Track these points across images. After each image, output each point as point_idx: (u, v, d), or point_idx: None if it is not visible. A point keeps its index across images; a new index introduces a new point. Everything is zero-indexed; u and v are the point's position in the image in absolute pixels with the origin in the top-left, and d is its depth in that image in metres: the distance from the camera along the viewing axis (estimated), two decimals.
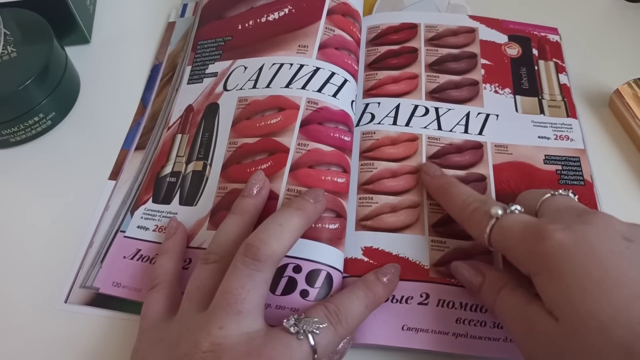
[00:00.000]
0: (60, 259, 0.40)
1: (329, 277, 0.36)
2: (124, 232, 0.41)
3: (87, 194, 0.44)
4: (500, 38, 0.50)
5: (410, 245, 0.38)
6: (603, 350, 0.25)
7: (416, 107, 0.45)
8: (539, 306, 0.29)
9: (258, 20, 0.47)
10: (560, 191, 0.34)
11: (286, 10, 0.47)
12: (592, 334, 0.26)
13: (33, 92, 0.44)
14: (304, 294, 0.35)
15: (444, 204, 0.39)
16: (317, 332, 0.30)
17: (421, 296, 0.36)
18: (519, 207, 0.33)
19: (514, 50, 0.50)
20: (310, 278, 0.35)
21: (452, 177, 0.40)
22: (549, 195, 0.34)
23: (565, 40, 0.51)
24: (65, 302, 0.38)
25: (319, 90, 0.42)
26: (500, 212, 0.32)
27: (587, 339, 0.26)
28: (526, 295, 0.30)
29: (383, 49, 0.49)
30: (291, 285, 0.35)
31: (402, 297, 0.36)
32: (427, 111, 0.45)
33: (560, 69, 0.49)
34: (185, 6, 0.55)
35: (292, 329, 0.30)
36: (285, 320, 0.30)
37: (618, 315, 0.25)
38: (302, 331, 0.30)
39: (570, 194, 0.34)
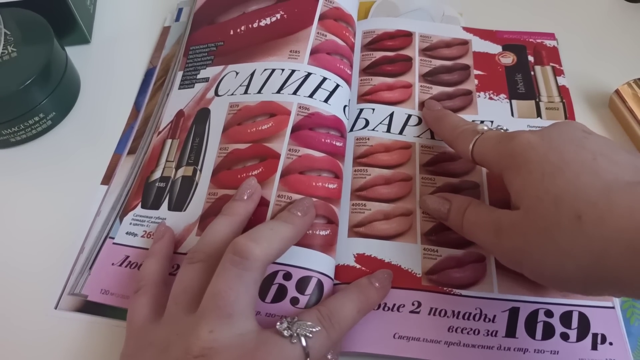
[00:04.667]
0: (53, 264, 0.40)
1: (319, 284, 0.35)
2: (113, 238, 0.40)
3: (84, 197, 0.43)
4: (494, 49, 0.50)
5: (402, 253, 0.38)
6: (558, 219, 0.28)
7: (409, 116, 0.45)
8: (503, 210, 0.32)
9: (250, 25, 0.47)
10: None
11: (278, 15, 0.47)
12: (548, 208, 0.28)
13: (33, 92, 0.44)
14: (294, 301, 0.34)
15: (438, 131, 0.43)
16: (310, 335, 0.30)
17: (413, 304, 0.36)
18: (504, 127, 0.37)
19: (508, 59, 0.49)
20: (301, 285, 0.35)
21: (449, 111, 0.44)
22: None
23: (565, 40, 0.51)
24: (56, 308, 0.38)
25: (311, 96, 0.42)
26: (485, 128, 0.36)
27: (545, 213, 0.28)
28: (490, 207, 0.34)
29: (378, 54, 0.49)
30: (281, 292, 0.35)
31: (394, 305, 0.36)
32: (420, 121, 0.45)
33: (558, 72, 0.48)
34: (180, 10, 0.55)
35: (285, 332, 0.29)
36: (278, 323, 0.30)
37: (569, 187, 0.28)
38: (295, 334, 0.29)
39: None
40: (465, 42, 0.51)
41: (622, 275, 0.26)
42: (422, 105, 0.46)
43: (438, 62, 0.49)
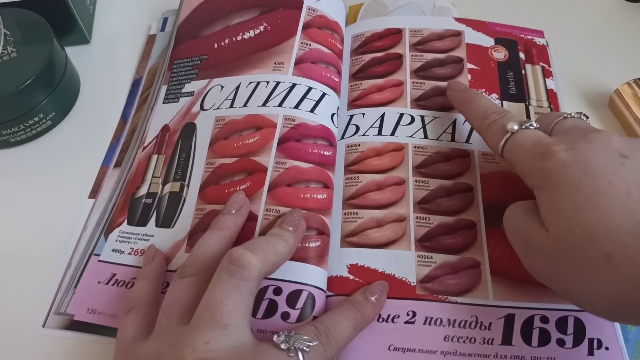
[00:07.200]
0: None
1: (311, 298, 0.35)
2: (98, 255, 0.40)
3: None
4: (487, 41, 0.49)
5: (396, 262, 0.38)
6: (587, 255, 0.27)
7: (401, 115, 0.44)
8: (535, 221, 0.31)
9: (234, 38, 0.47)
10: (573, 114, 0.35)
11: (261, 27, 0.47)
12: (578, 242, 0.28)
13: (33, 92, 0.44)
14: (285, 316, 0.34)
15: (466, 115, 0.41)
16: (308, 350, 0.29)
17: (407, 314, 0.35)
18: (534, 124, 0.34)
19: (500, 54, 0.48)
20: (291, 299, 0.35)
21: (475, 90, 0.43)
22: (561, 117, 0.35)
23: (565, 40, 0.51)
24: (43, 326, 0.37)
25: (296, 107, 0.41)
26: (515, 127, 0.34)
27: (574, 246, 0.28)
28: (526, 210, 0.32)
29: (368, 57, 0.48)
30: (272, 308, 0.34)
31: (388, 315, 0.35)
32: (412, 120, 0.44)
33: (547, 74, 0.48)
34: (165, 20, 0.54)
35: (283, 345, 0.29)
36: (275, 336, 0.30)
37: (600, 225, 0.27)
38: (293, 348, 0.29)
39: (583, 117, 0.35)
40: (458, 34, 0.49)
41: None
42: (414, 102, 0.45)
43: (430, 56, 0.48)
